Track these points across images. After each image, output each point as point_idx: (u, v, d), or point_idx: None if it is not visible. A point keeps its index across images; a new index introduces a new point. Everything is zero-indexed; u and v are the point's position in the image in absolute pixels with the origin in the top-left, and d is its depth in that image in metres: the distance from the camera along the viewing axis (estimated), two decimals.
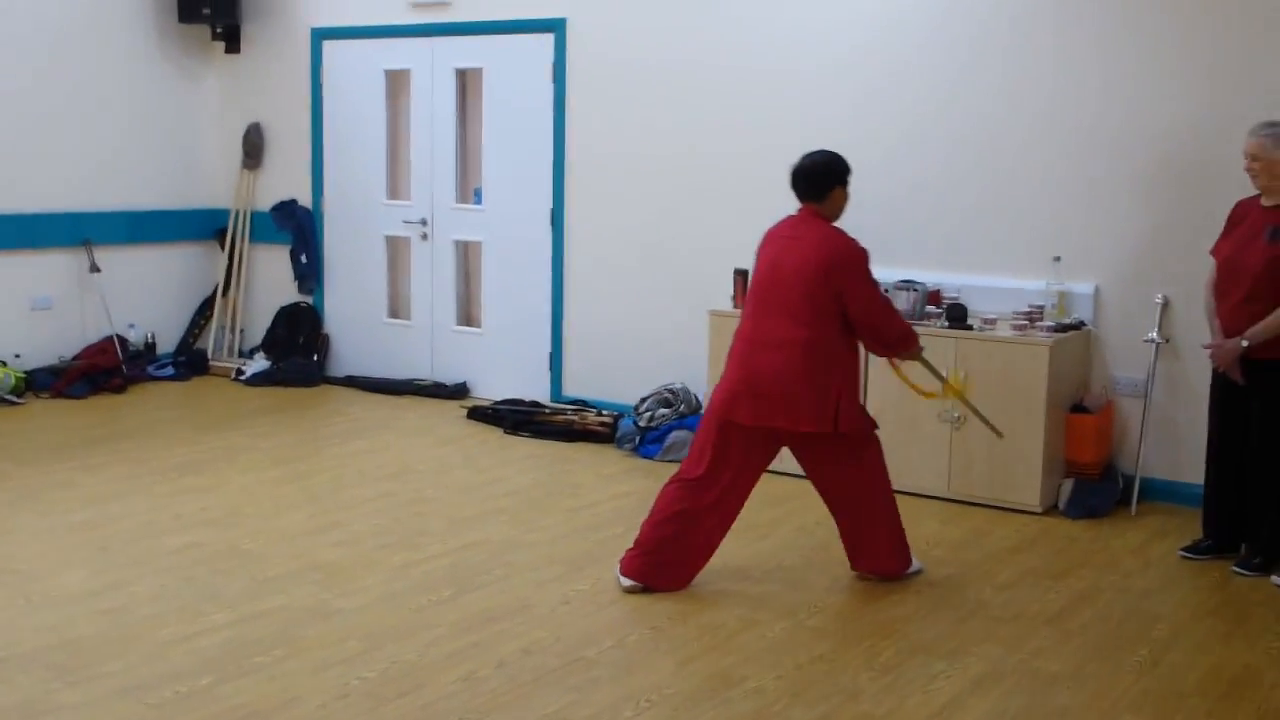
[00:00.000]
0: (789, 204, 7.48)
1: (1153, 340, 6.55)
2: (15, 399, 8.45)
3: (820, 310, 5.08)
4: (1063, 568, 5.63)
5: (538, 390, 8.64)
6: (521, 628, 4.78)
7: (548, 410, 8.21)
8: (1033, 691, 4.33)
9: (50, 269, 9.08)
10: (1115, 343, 6.75)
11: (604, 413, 7.95)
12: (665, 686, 4.29)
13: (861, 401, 5.39)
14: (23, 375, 8.62)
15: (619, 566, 5.28)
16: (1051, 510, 6.48)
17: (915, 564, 5.48)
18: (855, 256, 5.14)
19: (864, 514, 5.35)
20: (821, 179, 5.25)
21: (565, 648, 4.62)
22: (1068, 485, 6.50)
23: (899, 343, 5.29)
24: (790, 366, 5.08)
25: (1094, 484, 6.52)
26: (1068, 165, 6.78)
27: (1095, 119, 6.69)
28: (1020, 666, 4.53)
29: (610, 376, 8.32)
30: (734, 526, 5.95)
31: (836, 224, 5.26)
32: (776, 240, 5.31)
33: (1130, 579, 5.51)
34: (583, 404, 8.29)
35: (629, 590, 5.18)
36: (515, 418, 8.09)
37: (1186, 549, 5.82)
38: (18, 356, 8.75)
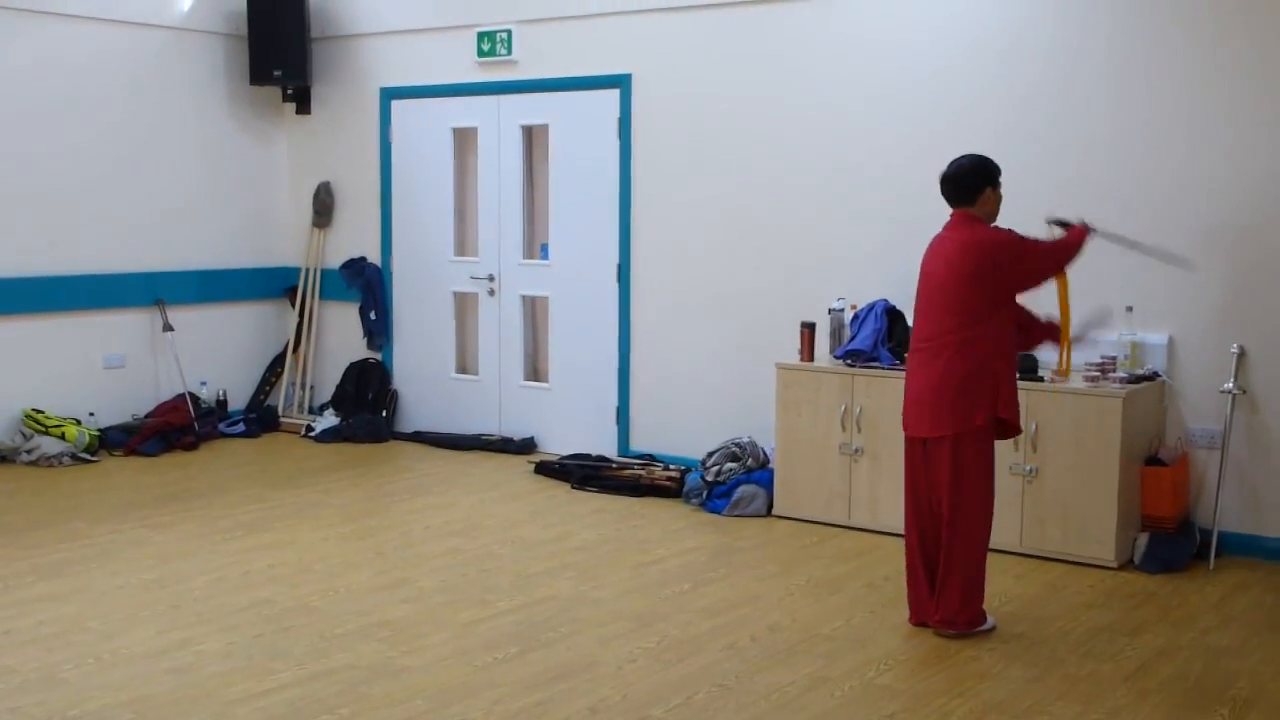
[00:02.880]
0: (857, 257, 7.49)
1: (1229, 391, 6.44)
2: (89, 457, 8.55)
3: (973, 312, 5.21)
4: (1139, 624, 5.52)
5: (605, 445, 8.63)
6: (588, 685, 4.75)
7: (615, 465, 8.20)
8: None
9: (123, 328, 9.22)
10: (1190, 394, 6.64)
11: (671, 467, 7.91)
12: None
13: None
14: (96, 433, 8.73)
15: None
16: (1127, 565, 6.36)
17: (983, 624, 5.39)
18: (1000, 239, 5.27)
19: (941, 545, 5.38)
20: (969, 182, 5.34)
21: (631, 706, 4.58)
22: (1143, 539, 6.38)
23: (1075, 252, 5.51)
24: (944, 374, 5.25)
25: (1170, 538, 6.40)
26: (1138, 214, 6.69)
27: (1166, 168, 6.62)
28: None
29: (677, 430, 8.29)
30: (800, 583, 5.94)
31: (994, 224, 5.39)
32: (931, 249, 5.45)
33: (1209, 635, 5.39)
34: (650, 458, 8.26)
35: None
36: (582, 472, 8.08)
37: None
38: (91, 415, 8.87)
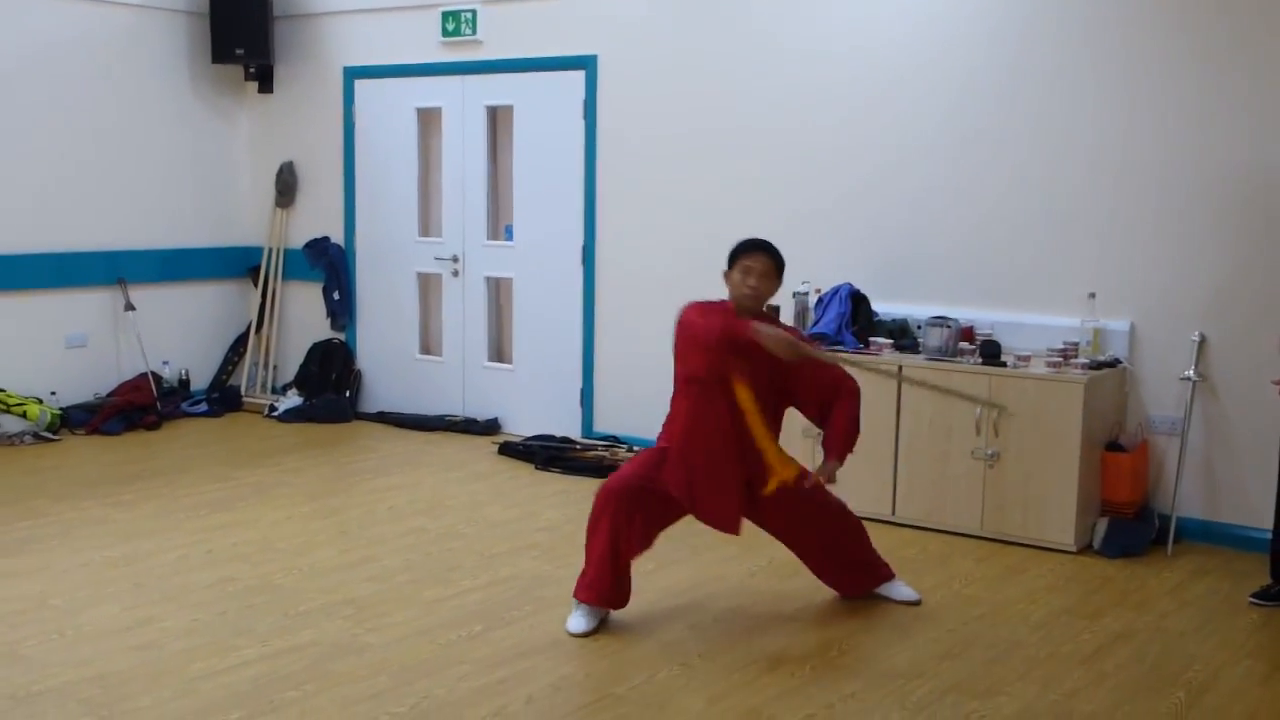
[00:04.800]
0: (821, 240, 7.52)
1: (1189, 378, 6.50)
2: (51, 436, 8.50)
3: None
4: (1097, 607, 5.58)
5: (569, 426, 8.64)
6: (551, 663, 4.77)
7: (579, 446, 8.21)
8: None
9: (85, 307, 9.16)
10: (1151, 380, 6.70)
11: (635, 449, 7.93)
12: None
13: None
14: (58, 412, 8.67)
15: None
16: (1086, 549, 6.42)
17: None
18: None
19: None
20: None
21: (595, 684, 4.61)
22: (1103, 524, 6.44)
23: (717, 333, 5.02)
24: None
25: (1129, 523, 6.46)
26: (1103, 201, 6.75)
27: (1130, 156, 6.66)
28: (1054, 707, 4.48)
29: (641, 413, 8.27)
30: (763, 564, 5.97)
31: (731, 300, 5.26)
32: None
33: (1166, 619, 5.45)
34: (614, 440, 8.28)
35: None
36: (546, 454, 8.08)
37: (1257, 595, 5.70)
38: (53, 394, 8.81)
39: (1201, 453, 6.59)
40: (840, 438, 5.21)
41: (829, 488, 5.27)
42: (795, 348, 4.92)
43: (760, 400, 5.10)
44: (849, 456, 5.24)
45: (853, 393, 5.21)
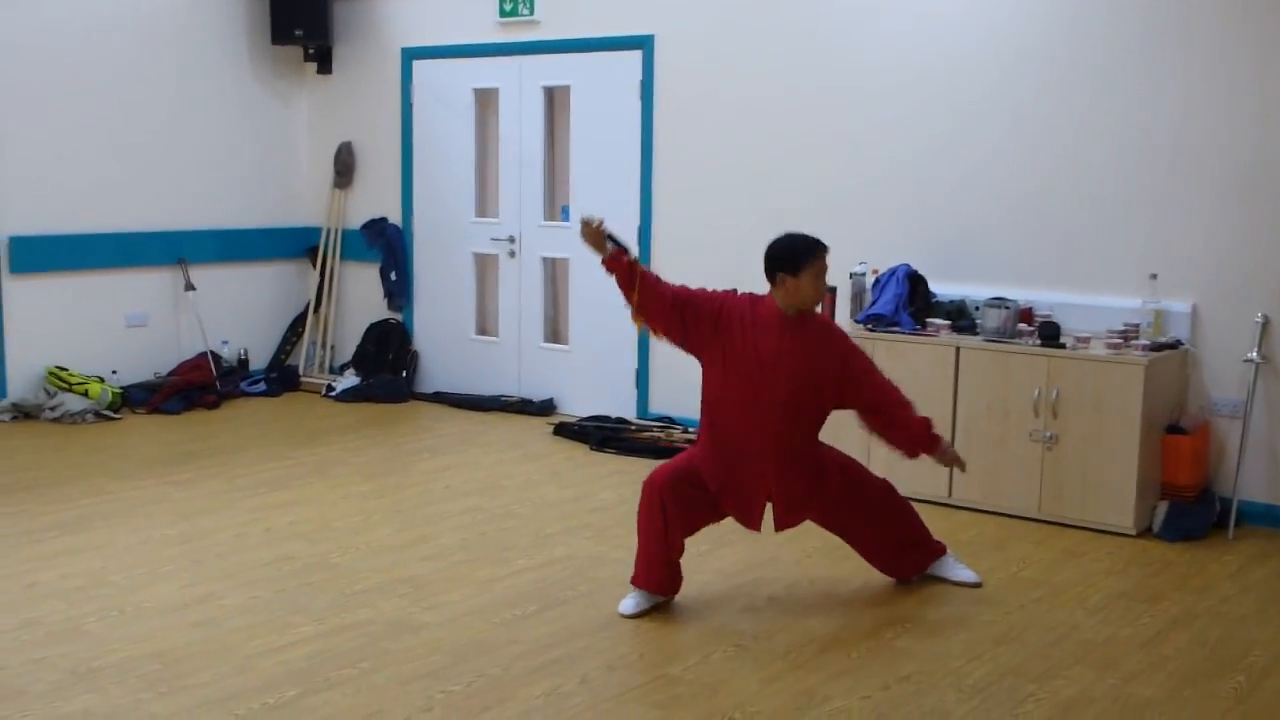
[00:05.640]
0: (878, 220, 7.48)
1: (1252, 360, 6.41)
2: (112, 414, 8.60)
3: None
4: (1157, 591, 5.52)
5: (624, 407, 8.64)
6: (605, 643, 4.78)
7: (633, 427, 8.22)
8: (1125, 717, 4.24)
9: (146, 287, 9.26)
10: (1213, 362, 6.62)
11: (690, 430, 7.93)
12: (749, 705, 4.26)
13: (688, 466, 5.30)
14: (119, 391, 8.77)
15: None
16: (1146, 533, 6.35)
17: None
18: None
19: None
20: (766, 265, 5.41)
21: (649, 664, 4.61)
22: (1163, 507, 6.37)
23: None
24: None
25: (1190, 506, 6.38)
26: (1165, 181, 6.67)
27: (1193, 135, 6.57)
28: (1112, 691, 4.44)
29: (696, 394, 8.25)
30: (818, 545, 5.94)
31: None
32: None
33: (1226, 604, 5.39)
34: (668, 421, 8.28)
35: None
36: (601, 434, 8.09)
37: None
38: (114, 373, 8.92)
39: (1264, 435, 6.51)
40: (913, 441, 5.28)
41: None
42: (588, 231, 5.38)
43: (798, 403, 5.17)
44: (938, 435, 5.30)
45: (903, 404, 5.24)
